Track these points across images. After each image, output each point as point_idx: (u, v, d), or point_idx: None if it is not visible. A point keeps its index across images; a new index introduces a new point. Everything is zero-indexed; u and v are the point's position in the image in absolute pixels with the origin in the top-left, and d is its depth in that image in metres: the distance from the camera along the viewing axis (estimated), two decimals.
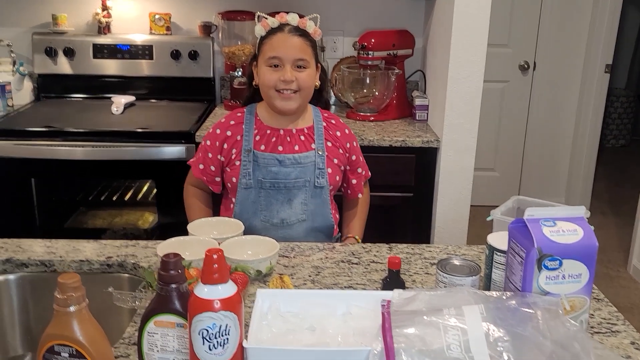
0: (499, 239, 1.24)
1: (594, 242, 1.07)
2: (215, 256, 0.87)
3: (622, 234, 4.04)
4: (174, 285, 0.93)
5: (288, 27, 1.68)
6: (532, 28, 4.08)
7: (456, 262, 1.25)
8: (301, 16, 1.72)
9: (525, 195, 4.28)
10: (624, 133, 6.00)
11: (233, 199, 1.77)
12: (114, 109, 2.67)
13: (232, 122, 1.77)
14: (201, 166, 1.79)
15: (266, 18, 1.70)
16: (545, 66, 4.13)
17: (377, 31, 2.79)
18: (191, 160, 1.83)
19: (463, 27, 2.36)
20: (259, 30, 1.71)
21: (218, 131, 1.76)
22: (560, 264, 1.06)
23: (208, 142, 1.78)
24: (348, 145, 1.81)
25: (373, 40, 2.72)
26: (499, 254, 1.22)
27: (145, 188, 2.82)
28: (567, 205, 3.93)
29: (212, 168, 1.78)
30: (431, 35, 2.83)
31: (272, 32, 1.69)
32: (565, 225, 1.08)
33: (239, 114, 1.78)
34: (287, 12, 1.71)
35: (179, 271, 0.94)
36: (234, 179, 1.74)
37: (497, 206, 4.33)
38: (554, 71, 4.14)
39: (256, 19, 1.73)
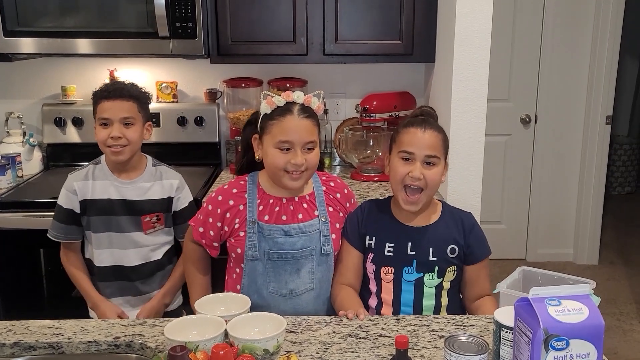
0: (505, 314, 1.24)
1: (600, 321, 1.07)
2: (221, 352, 0.87)
3: (633, 284, 4.00)
4: None
5: (297, 108, 1.69)
6: (532, 82, 4.15)
7: (464, 339, 1.25)
8: (305, 93, 1.75)
9: (534, 247, 4.32)
10: (629, 180, 6.00)
11: (237, 269, 1.79)
12: None
13: (234, 191, 1.77)
14: (201, 229, 1.80)
15: (272, 96, 1.71)
16: (547, 119, 4.18)
17: (378, 94, 2.85)
18: (192, 219, 1.85)
19: (462, 88, 2.41)
20: (265, 107, 1.71)
21: (220, 198, 1.77)
22: (567, 344, 1.06)
23: (210, 207, 1.78)
24: (348, 204, 1.85)
25: (375, 103, 2.78)
26: (506, 330, 1.22)
27: None
28: (575, 257, 3.83)
29: (211, 233, 1.78)
30: (432, 95, 2.89)
31: (280, 113, 1.68)
32: (570, 304, 1.08)
33: (242, 182, 1.79)
34: (293, 90, 1.74)
35: None
36: (238, 250, 1.74)
37: (506, 259, 4.31)
38: (555, 124, 4.19)
39: (262, 97, 1.74)
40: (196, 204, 2.43)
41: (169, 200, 2.03)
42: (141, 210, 1.99)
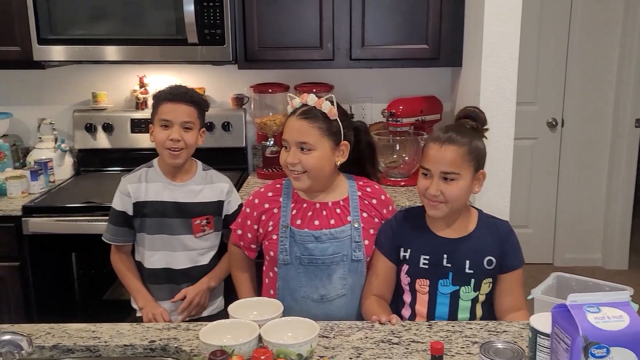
0: (541, 320, 1.24)
1: None
2: (262, 357, 0.88)
3: None
4: None
5: (300, 110, 1.73)
6: (559, 85, 4.11)
7: (499, 346, 1.24)
8: (319, 97, 1.77)
9: (561, 252, 4.27)
10: None
11: (270, 273, 1.82)
12: None
13: (270, 194, 1.82)
14: (239, 232, 1.86)
15: (293, 98, 1.78)
16: (574, 122, 4.14)
17: (404, 98, 2.85)
18: (234, 222, 1.90)
19: (490, 92, 2.40)
20: (289, 109, 1.78)
21: (256, 201, 1.82)
22: (608, 351, 1.04)
23: (247, 210, 1.84)
24: (385, 211, 1.83)
25: (401, 108, 2.78)
26: (542, 336, 1.21)
27: None
28: (604, 261, 3.75)
29: (249, 235, 1.83)
30: (459, 99, 2.88)
31: (290, 113, 1.76)
32: (610, 311, 1.07)
33: (278, 186, 1.83)
34: (319, 95, 1.76)
35: None
36: (271, 253, 1.78)
37: (532, 264, 4.26)
38: (582, 127, 4.14)
39: (288, 98, 1.80)
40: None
41: (220, 203, 2.07)
42: (192, 212, 2.03)
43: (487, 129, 1.79)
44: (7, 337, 1.15)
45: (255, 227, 1.81)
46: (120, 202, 2.04)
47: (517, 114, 2.48)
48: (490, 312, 1.72)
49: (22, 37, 2.60)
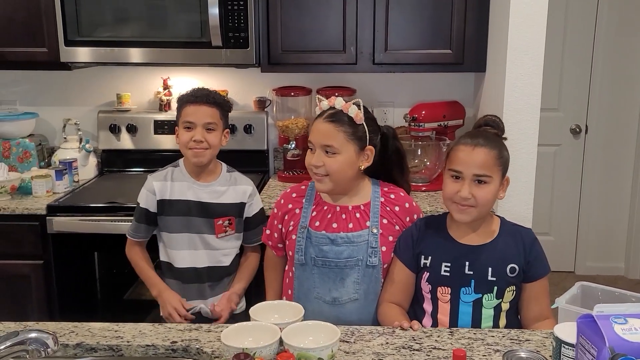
0: (565, 330, 1.22)
1: None
2: None
3: None
4: None
5: (327, 113, 1.74)
6: (583, 91, 4.06)
7: (523, 355, 1.23)
8: (347, 101, 1.77)
9: (583, 260, 4.21)
10: None
11: (290, 273, 1.84)
12: None
13: (294, 195, 1.85)
14: (267, 231, 1.90)
15: (321, 101, 1.78)
16: (598, 129, 4.09)
17: (427, 103, 2.84)
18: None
19: (514, 98, 2.38)
20: (317, 111, 1.79)
21: (282, 201, 1.86)
22: None
23: (275, 210, 1.87)
24: (408, 219, 1.81)
25: (424, 112, 2.77)
26: (567, 347, 1.20)
27: None
28: (627, 271, 3.69)
29: (275, 235, 1.87)
30: (482, 105, 2.86)
31: (317, 116, 1.77)
32: (637, 322, 1.06)
33: (302, 187, 1.86)
34: (332, 96, 1.78)
35: None
36: (290, 253, 1.80)
37: (554, 272, 4.20)
38: (607, 134, 4.09)
39: (317, 100, 1.82)
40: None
41: (242, 205, 2.10)
42: (215, 213, 2.05)
43: (505, 138, 1.78)
44: (33, 334, 1.16)
45: (280, 226, 1.84)
46: (145, 199, 2.07)
47: (540, 120, 2.46)
48: (514, 322, 1.69)
49: (50, 38, 2.64)
